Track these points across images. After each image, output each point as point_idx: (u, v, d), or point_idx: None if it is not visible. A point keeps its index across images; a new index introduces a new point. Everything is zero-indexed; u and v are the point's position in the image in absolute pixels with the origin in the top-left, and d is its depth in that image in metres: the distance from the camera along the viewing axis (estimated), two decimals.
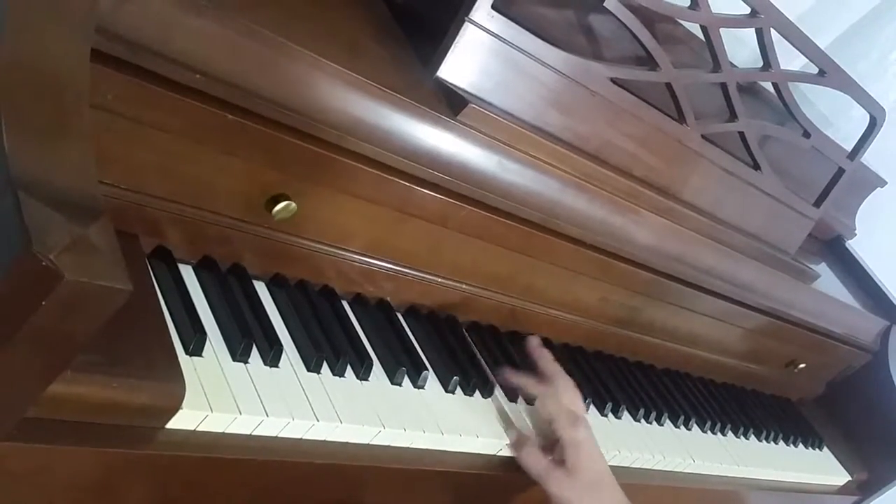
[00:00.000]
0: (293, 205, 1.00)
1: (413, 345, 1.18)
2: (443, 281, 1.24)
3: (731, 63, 1.43)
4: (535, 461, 1.14)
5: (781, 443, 1.84)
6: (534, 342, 1.28)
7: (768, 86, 1.57)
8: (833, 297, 1.92)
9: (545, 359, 1.25)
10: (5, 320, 0.65)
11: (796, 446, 1.90)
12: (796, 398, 2.13)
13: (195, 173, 0.94)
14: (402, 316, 1.22)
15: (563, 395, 1.20)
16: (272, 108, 0.92)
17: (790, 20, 1.46)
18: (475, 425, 1.14)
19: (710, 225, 1.50)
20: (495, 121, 1.12)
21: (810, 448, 1.95)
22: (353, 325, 1.12)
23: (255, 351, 0.97)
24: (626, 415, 1.44)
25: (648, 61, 1.32)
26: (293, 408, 0.95)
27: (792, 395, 2.11)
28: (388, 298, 1.20)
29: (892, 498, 2.11)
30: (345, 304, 1.15)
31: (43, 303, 0.63)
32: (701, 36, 1.39)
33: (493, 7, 1.11)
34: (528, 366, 1.29)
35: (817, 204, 1.75)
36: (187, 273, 1.00)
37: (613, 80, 1.28)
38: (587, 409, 1.28)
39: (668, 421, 1.52)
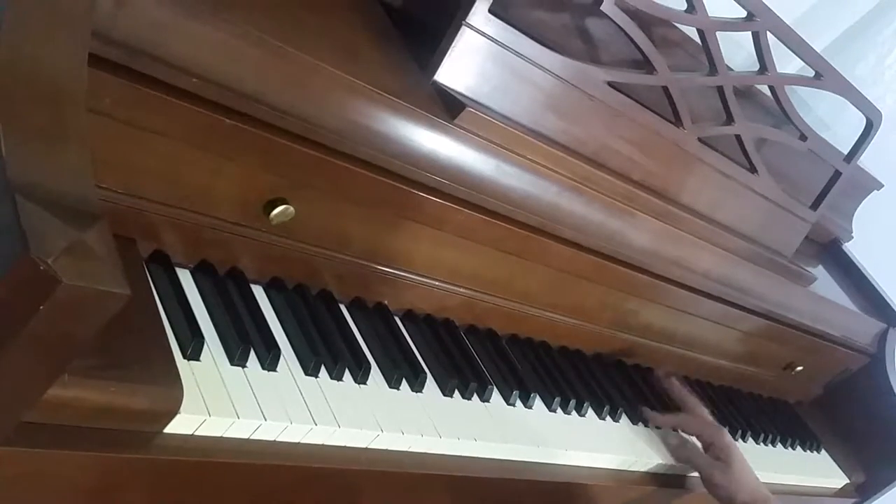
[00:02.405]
0: (291, 209, 1.00)
1: (411, 349, 1.18)
2: (440, 284, 1.24)
3: (728, 66, 1.43)
4: (700, 457, 1.44)
5: (779, 445, 1.84)
6: (671, 380, 1.56)
7: (765, 89, 1.58)
8: (830, 299, 1.92)
9: (677, 388, 1.55)
10: (3, 324, 0.65)
11: (794, 449, 1.90)
12: (794, 401, 2.13)
13: (192, 177, 0.94)
14: (400, 320, 1.22)
15: (701, 413, 1.49)
16: (269, 112, 0.92)
17: (786, 24, 1.46)
18: (473, 429, 1.14)
19: (707, 228, 1.51)
20: (492, 124, 1.12)
21: (808, 451, 1.95)
22: (350, 328, 1.12)
23: (252, 355, 0.97)
24: (623, 418, 1.44)
25: (645, 65, 1.32)
26: (291, 412, 0.95)
27: (789, 397, 2.11)
28: (386, 302, 1.20)
29: (889, 500, 2.11)
30: (342, 307, 1.15)
31: (40, 307, 0.63)
32: (697, 39, 1.40)
33: (491, 11, 1.11)
34: (528, 370, 1.30)
35: (814, 207, 1.76)
36: (185, 277, 1.00)
37: (610, 84, 1.28)
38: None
39: None
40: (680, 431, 1.50)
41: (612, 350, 1.57)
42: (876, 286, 2.20)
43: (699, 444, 1.48)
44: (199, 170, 0.93)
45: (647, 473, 1.41)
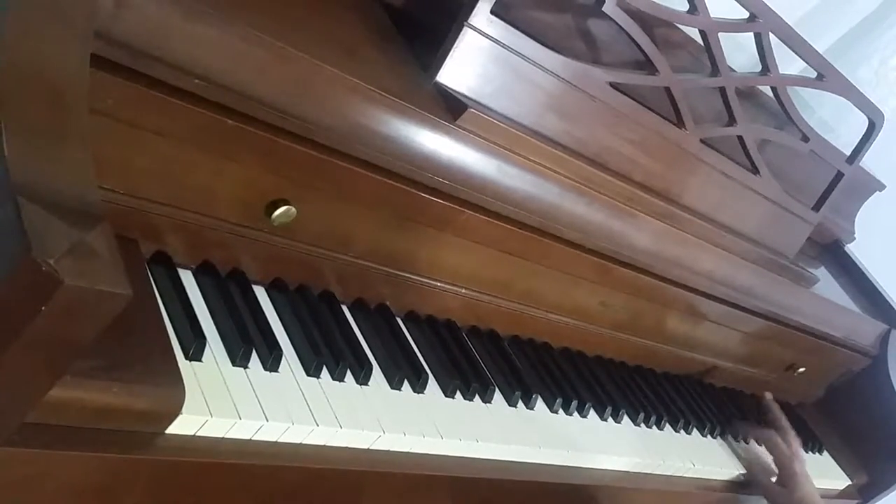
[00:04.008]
0: (293, 210, 1.00)
1: (413, 349, 1.18)
2: (442, 285, 1.24)
3: (730, 67, 1.43)
4: (767, 482, 1.62)
5: None
6: (768, 397, 1.80)
7: (767, 90, 1.58)
8: (832, 300, 1.92)
9: (774, 411, 1.76)
10: (5, 325, 0.65)
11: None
12: (796, 402, 2.13)
13: (195, 178, 0.94)
14: (402, 320, 1.22)
15: (786, 437, 1.68)
16: (271, 113, 0.92)
17: (789, 25, 1.46)
18: (475, 429, 1.14)
19: (709, 229, 1.50)
20: (494, 125, 1.12)
21: (810, 452, 1.95)
22: (352, 329, 1.12)
23: (254, 356, 0.97)
24: (626, 419, 1.44)
25: (647, 66, 1.32)
26: (293, 413, 0.95)
27: (791, 398, 2.11)
28: (388, 303, 1.20)
29: (892, 502, 2.11)
30: (344, 308, 1.15)
31: (43, 308, 0.63)
32: (700, 40, 1.39)
33: (493, 12, 1.11)
34: (530, 371, 1.30)
35: (816, 208, 1.76)
36: (187, 278, 1.00)
37: (612, 85, 1.28)
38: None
39: (667, 425, 1.52)
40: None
41: (614, 351, 1.57)
42: (878, 287, 2.19)
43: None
44: (201, 171, 0.94)
45: (649, 475, 1.41)
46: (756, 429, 1.70)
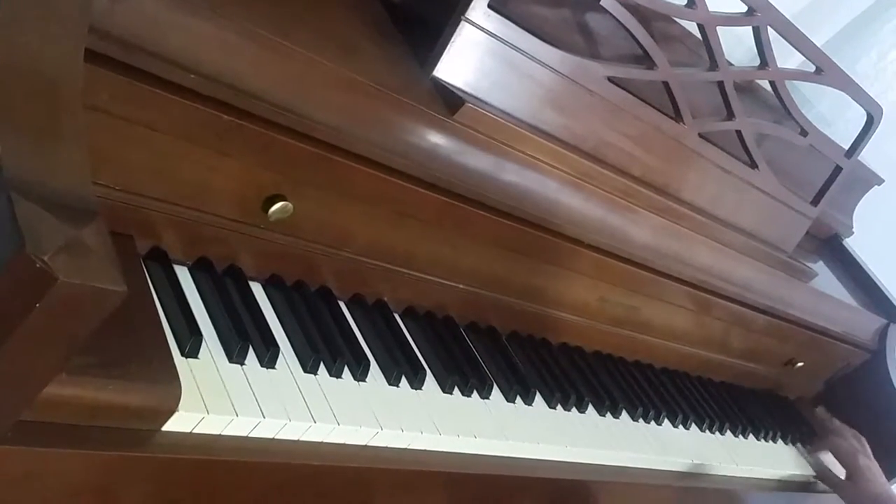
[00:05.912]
0: (290, 205, 1.00)
1: (410, 345, 1.17)
2: (440, 281, 1.23)
3: (728, 61, 1.43)
4: (832, 478, 1.79)
5: (780, 441, 1.84)
6: (821, 411, 1.98)
7: (765, 84, 1.57)
8: (831, 295, 1.92)
9: (829, 418, 1.95)
10: None
11: (795, 445, 1.89)
12: (794, 397, 2.13)
13: (190, 174, 0.93)
14: (400, 316, 1.22)
15: (849, 438, 1.86)
16: (268, 108, 0.92)
17: (787, 18, 1.46)
18: (473, 426, 1.14)
19: (708, 224, 1.50)
20: (492, 120, 1.12)
21: (810, 446, 1.95)
22: (350, 325, 1.12)
23: (251, 352, 0.96)
24: (624, 414, 1.44)
25: (645, 60, 1.32)
26: (290, 409, 0.94)
27: (790, 393, 2.11)
28: (386, 299, 1.20)
29: None
30: (342, 304, 1.15)
31: (37, 305, 0.63)
32: (698, 34, 1.39)
33: (490, 6, 1.11)
34: (528, 367, 1.30)
35: (815, 202, 1.75)
36: (183, 274, 1.00)
37: (610, 79, 1.28)
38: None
39: (666, 420, 1.52)
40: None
41: (612, 346, 1.57)
42: (876, 282, 2.19)
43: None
44: (197, 166, 0.93)
45: (645, 470, 1.41)
46: (817, 441, 1.89)
